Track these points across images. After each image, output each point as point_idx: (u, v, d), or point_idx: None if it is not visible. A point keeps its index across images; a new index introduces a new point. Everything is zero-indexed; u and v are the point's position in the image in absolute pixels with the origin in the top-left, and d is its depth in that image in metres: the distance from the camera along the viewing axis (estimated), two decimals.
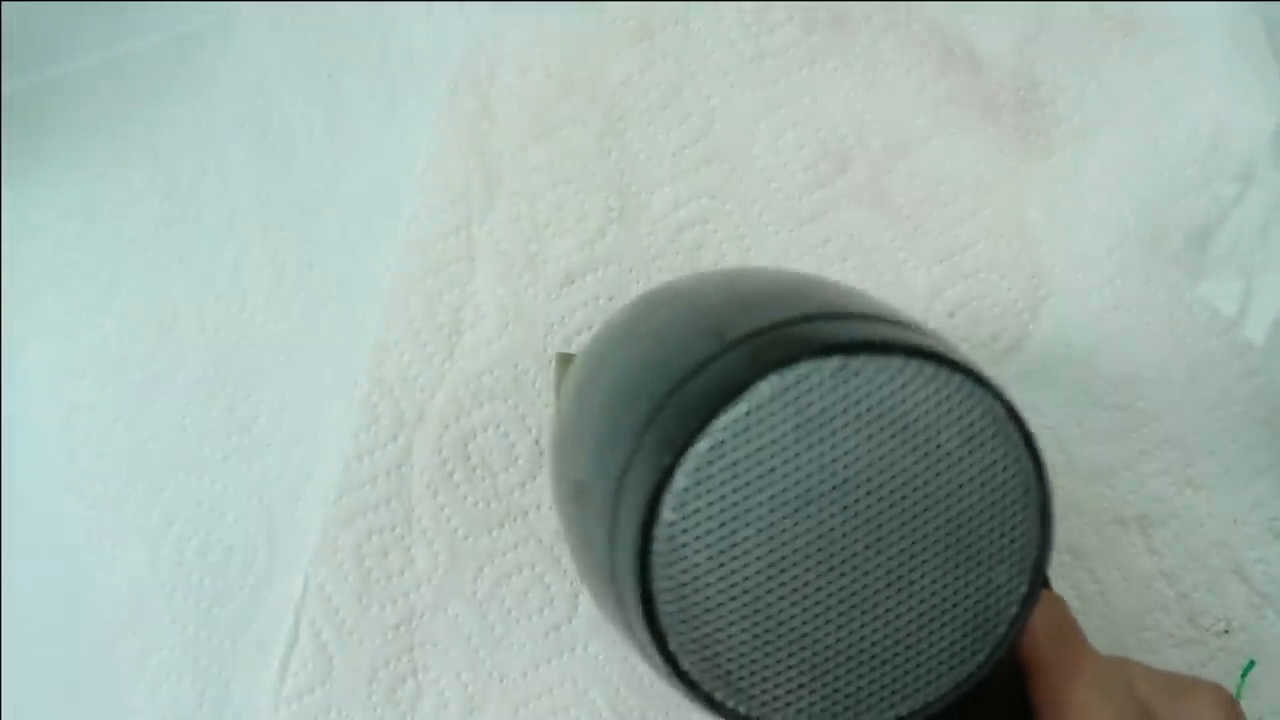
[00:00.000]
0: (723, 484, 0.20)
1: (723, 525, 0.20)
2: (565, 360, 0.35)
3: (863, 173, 0.38)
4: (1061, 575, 0.36)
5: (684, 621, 0.20)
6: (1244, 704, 0.35)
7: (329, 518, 0.37)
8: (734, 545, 0.20)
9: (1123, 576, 0.36)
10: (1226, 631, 0.35)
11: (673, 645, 0.21)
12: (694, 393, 0.20)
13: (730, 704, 0.21)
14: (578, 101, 0.39)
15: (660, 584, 0.20)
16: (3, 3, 0.40)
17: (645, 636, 0.21)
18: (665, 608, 0.20)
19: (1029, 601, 0.21)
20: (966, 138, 0.38)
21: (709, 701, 0.21)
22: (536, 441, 0.37)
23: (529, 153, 0.38)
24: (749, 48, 0.39)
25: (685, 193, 0.38)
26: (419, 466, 0.37)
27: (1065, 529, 0.36)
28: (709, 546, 0.20)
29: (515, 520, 0.37)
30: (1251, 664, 0.35)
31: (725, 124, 0.39)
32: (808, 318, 0.21)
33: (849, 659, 0.21)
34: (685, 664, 0.21)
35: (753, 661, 0.21)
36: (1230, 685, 0.35)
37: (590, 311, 0.38)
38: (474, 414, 0.37)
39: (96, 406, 0.39)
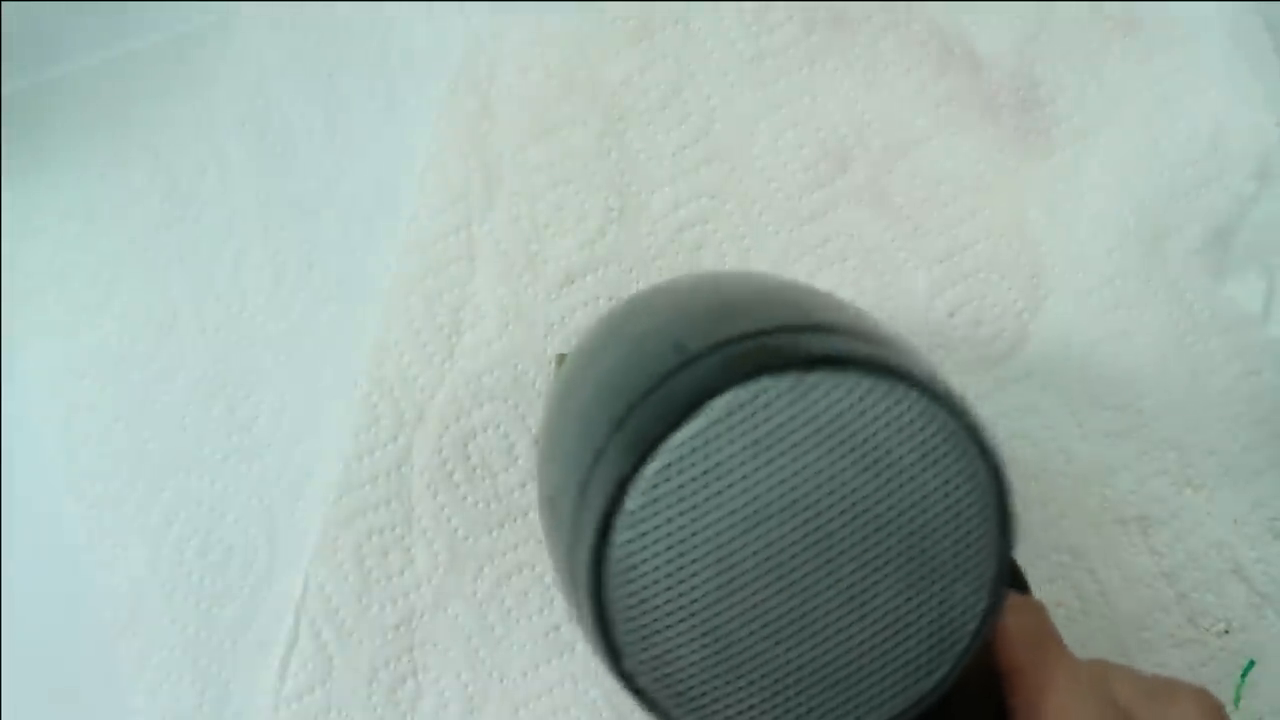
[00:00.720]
0: (675, 503, 0.20)
1: (674, 545, 0.20)
2: (565, 361, 0.35)
3: (863, 173, 0.38)
4: (1061, 575, 0.36)
5: (639, 640, 0.20)
6: (1244, 704, 0.35)
7: (329, 518, 0.37)
8: (685, 565, 0.20)
9: (1123, 576, 0.36)
10: (1226, 631, 0.35)
11: (627, 664, 0.21)
12: (650, 408, 0.20)
13: None
14: (578, 101, 0.38)
15: (615, 603, 0.20)
16: (3, 3, 0.40)
17: (603, 653, 0.21)
18: (620, 626, 0.20)
19: (989, 616, 0.21)
20: (966, 138, 0.38)
21: (666, 718, 0.21)
22: (536, 441, 0.37)
23: (529, 153, 0.38)
24: (749, 48, 0.39)
25: (685, 193, 0.38)
26: (419, 466, 0.37)
27: (1065, 529, 0.36)
28: (661, 566, 0.20)
29: (515, 520, 0.37)
30: (1251, 664, 0.35)
31: (725, 124, 0.39)
32: (767, 331, 0.21)
33: (805, 678, 0.21)
34: (641, 682, 0.21)
35: (706, 681, 0.21)
36: (1230, 685, 0.35)
37: (590, 311, 0.38)
38: (474, 414, 0.37)
39: (96, 406, 0.39)
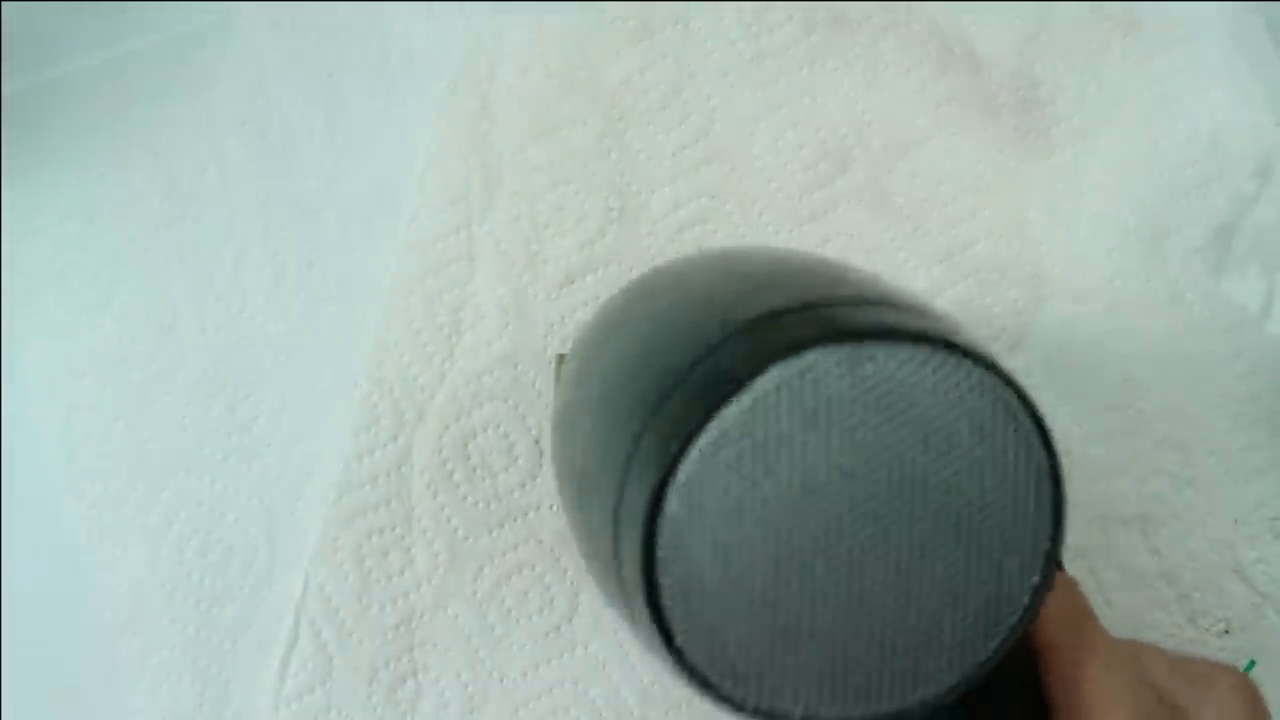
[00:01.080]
0: (727, 476, 0.20)
1: (727, 518, 0.20)
2: (565, 361, 0.35)
3: (863, 173, 0.38)
4: None
5: (689, 615, 0.20)
6: None
7: (329, 518, 0.37)
8: (739, 539, 0.20)
9: (1123, 576, 0.36)
10: (1227, 631, 0.35)
11: (679, 640, 0.20)
12: (698, 382, 0.20)
13: (739, 696, 0.21)
14: (578, 101, 0.38)
15: (665, 578, 0.20)
16: (3, 3, 0.40)
17: (651, 630, 0.20)
18: (670, 602, 0.20)
19: (1041, 591, 0.21)
20: (966, 138, 0.38)
21: (717, 695, 0.21)
22: (536, 441, 0.37)
23: (529, 153, 0.38)
24: (749, 48, 0.39)
25: (685, 193, 0.38)
26: (419, 466, 0.37)
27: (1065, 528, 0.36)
28: (714, 540, 0.20)
29: (515, 520, 0.37)
30: (1252, 664, 0.35)
31: (725, 124, 0.39)
32: (814, 304, 0.21)
33: (857, 650, 0.21)
34: (692, 658, 0.20)
35: (760, 654, 0.20)
36: None
37: (590, 311, 0.38)
38: (474, 414, 0.37)
39: (96, 406, 0.39)
